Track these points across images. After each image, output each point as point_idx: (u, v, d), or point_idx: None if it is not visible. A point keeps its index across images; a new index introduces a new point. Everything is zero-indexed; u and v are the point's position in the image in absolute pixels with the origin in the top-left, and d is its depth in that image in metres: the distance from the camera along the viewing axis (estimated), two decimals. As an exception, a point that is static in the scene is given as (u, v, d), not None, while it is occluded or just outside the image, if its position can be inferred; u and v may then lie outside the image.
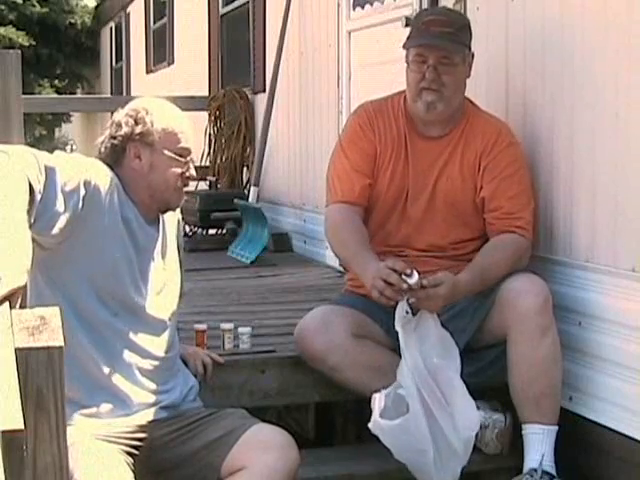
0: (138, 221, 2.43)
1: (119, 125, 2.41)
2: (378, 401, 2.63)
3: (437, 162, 3.00)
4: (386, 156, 3.01)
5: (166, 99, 2.56)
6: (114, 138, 2.41)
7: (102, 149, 2.44)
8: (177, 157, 2.43)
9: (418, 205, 3.00)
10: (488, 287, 2.83)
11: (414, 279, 2.61)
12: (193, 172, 2.48)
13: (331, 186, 3.05)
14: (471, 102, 3.08)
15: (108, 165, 2.40)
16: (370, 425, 2.62)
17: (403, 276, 2.61)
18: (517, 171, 2.97)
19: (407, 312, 2.64)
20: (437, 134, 3.01)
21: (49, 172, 2.12)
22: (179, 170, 2.44)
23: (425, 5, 3.89)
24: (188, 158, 2.46)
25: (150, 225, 2.47)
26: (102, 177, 2.34)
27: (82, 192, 2.24)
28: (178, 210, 2.60)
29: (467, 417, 2.66)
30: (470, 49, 2.99)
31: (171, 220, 2.57)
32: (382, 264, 2.67)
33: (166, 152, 2.41)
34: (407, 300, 2.64)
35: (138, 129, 2.39)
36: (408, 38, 3.00)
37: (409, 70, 2.96)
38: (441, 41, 2.89)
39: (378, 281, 2.64)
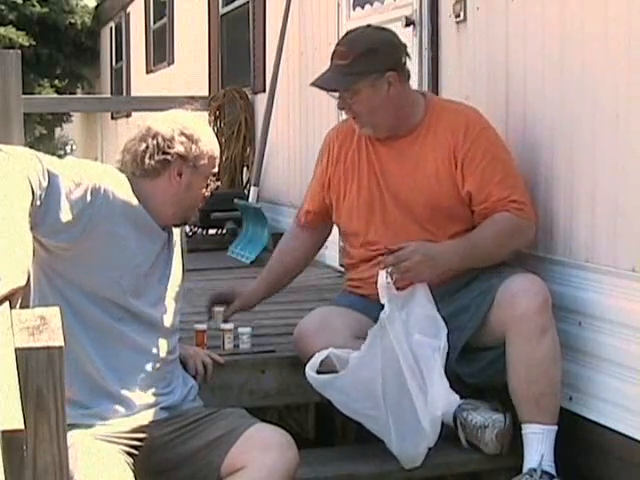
0: (150, 229, 2.43)
1: (171, 140, 2.41)
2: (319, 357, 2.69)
3: (407, 162, 2.97)
4: (341, 178, 3.07)
5: (167, 99, 2.55)
6: (165, 153, 2.41)
7: (143, 157, 2.41)
8: (209, 182, 2.52)
9: (398, 208, 2.97)
10: (477, 262, 2.85)
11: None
12: (211, 191, 2.57)
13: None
14: (433, 95, 3.06)
15: (133, 173, 2.40)
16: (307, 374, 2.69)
17: None
18: (497, 155, 2.93)
19: (389, 282, 2.69)
20: (399, 135, 2.99)
21: (52, 177, 2.11)
22: (205, 191, 2.53)
23: (425, 6, 3.89)
24: (212, 181, 2.55)
25: (162, 233, 2.48)
26: (114, 184, 2.33)
27: (89, 199, 2.23)
28: None
29: (439, 396, 2.67)
30: (384, 70, 2.87)
31: None
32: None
33: (204, 175, 2.50)
34: (386, 271, 2.71)
35: (193, 152, 2.44)
36: None
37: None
38: (332, 76, 2.93)
39: None
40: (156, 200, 2.43)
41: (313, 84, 2.98)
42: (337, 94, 2.95)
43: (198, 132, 2.47)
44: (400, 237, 2.90)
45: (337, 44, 2.99)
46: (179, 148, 2.42)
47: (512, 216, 2.87)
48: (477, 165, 2.90)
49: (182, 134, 2.43)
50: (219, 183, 2.60)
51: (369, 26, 3.10)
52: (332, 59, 2.94)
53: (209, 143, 2.49)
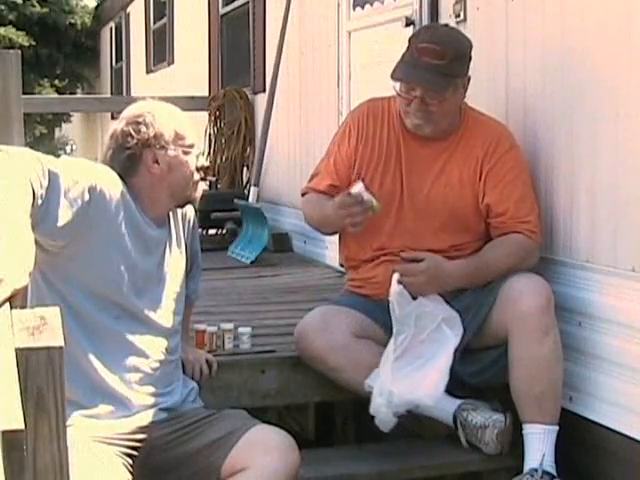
0: (147, 226, 2.42)
1: (128, 135, 2.40)
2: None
3: (433, 167, 2.97)
4: (372, 161, 2.99)
5: (165, 99, 2.56)
6: (128, 149, 2.39)
7: (114, 162, 2.40)
8: (189, 153, 2.47)
9: (414, 209, 2.96)
10: (485, 281, 2.84)
11: (357, 187, 2.76)
12: (204, 161, 2.54)
13: (313, 174, 3.12)
14: (469, 107, 3.05)
15: (119, 176, 2.39)
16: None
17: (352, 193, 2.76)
18: (520, 174, 2.95)
19: (400, 281, 2.75)
20: (433, 139, 2.98)
21: (52, 177, 2.12)
22: (193, 165, 2.48)
23: (425, 6, 3.89)
24: (196, 151, 2.50)
25: (160, 228, 2.47)
26: (109, 184, 2.33)
27: (86, 197, 2.23)
28: (189, 207, 2.61)
29: (420, 387, 2.72)
30: (467, 74, 2.92)
31: (179, 218, 2.56)
32: (334, 200, 2.83)
33: (179, 150, 2.44)
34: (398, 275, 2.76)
35: (151, 134, 2.40)
36: (400, 61, 2.91)
37: (397, 91, 2.90)
38: (429, 76, 2.81)
39: (340, 211, 2.77)
40: (147, 194, 2.42)
41: (404, 79, 2.85)
42: (416, 92, 2.84)
43: (149, 114, 2.43)
44: (407, 241, 2.92)
45: (423, 41, 2.86)
46: (137, 137, 2.40)
47: (524, 239, 2.90)
48: (500, 180, 2.93)
49: (134, 123, 2.41)
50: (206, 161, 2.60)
51: (446, 25, 3.15)
52: (420, 55, 2.82)
53: (165, 119, 2.44)
